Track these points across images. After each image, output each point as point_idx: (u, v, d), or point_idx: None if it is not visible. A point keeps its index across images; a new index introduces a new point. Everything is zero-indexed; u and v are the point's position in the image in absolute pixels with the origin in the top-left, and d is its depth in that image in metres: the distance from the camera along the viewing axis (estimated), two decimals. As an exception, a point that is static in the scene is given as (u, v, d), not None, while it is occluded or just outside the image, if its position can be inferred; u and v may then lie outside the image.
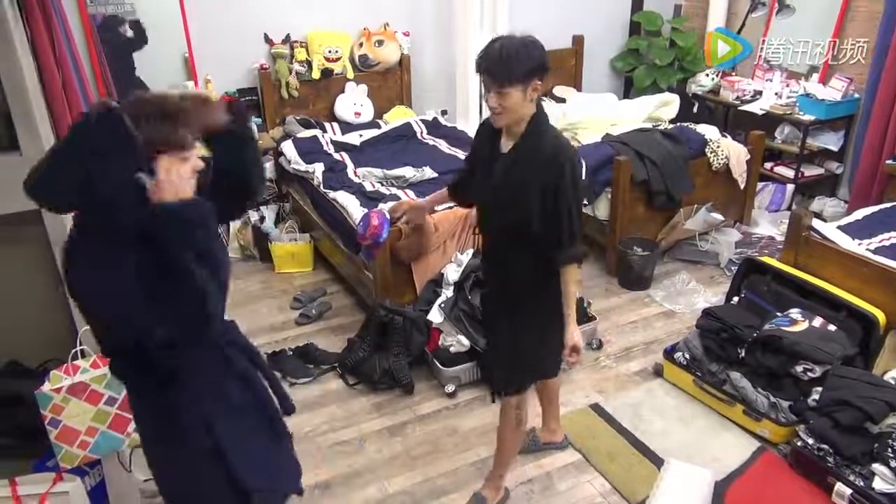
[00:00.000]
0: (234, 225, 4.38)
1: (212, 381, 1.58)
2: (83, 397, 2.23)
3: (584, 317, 3.37)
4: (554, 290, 2.10)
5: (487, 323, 2.29)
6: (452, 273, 3.26)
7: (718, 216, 4.06)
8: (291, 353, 3.27)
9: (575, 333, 2.12)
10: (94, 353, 2.42)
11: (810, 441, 2.53)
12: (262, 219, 4.34)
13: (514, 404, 2.29)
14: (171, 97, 1.42)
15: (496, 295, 2.26)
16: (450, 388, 3.06)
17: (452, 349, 3.06)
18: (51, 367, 2.38)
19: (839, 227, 3.33)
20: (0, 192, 2.28)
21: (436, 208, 3.40)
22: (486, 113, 4.79)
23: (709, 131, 4.24)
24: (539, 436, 2.74)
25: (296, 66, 4.53)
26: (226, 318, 1.64)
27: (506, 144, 2.04)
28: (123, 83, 4.07)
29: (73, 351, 2.40)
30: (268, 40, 4.50)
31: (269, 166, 4.38)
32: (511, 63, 1.87)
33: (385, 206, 3.37)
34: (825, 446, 2.48)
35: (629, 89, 5.68)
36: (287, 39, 4.53)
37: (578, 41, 5.47)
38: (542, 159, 1.96)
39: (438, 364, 3.06)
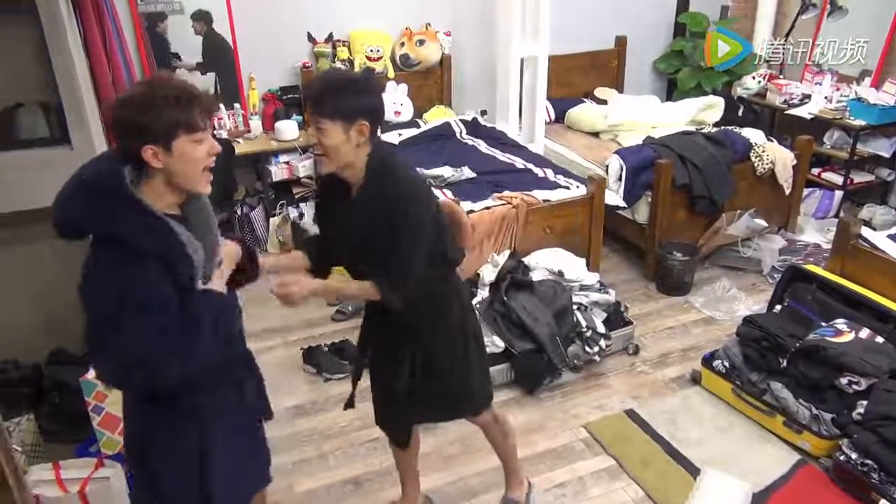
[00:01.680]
0: (274, 221, 4.45)
1: (210, 388, 1.62)
2: (125, 386, 2.29)
3: (620, 321, 3.33)
4: (443, 312, 2.03)
5: (391, 368, 2.09)
6: (488, 273, 3.25)
7: (762, 222, 3.97)
8: (327, 348, 3.30)
9: (320, 285, 1.94)
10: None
11: (854, 456, 2.45)
12: (301, 215, 4.40)
13: (492, 419, 2.26)
14: (188, 84, 1.47)
15: (391, 335, 2.09)
16: (483, 388, 3.04)
17: (487, 350, 3.05)
18: (95, 356, 2.45)
19: (889, 236, 3.22)
20: (52, 184, 2.36)
21: (474, 209, 3.40)
22: (526, 114, 4.77)
23: (754, 135, 4.14)
24: None
25: (338, 65, 4.57)
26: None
27: (354, 191, 1.86)
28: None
29: (117, 340, 2.46)
30: (311, 39, 4.55)
31: (308, 164, 4.43)
32: (331, 95, 1.72)
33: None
34: (869, 462, 2.41)
35: (672, 91, 5.59)
36: (330, 38, 4.58)
37: (621, 42, 5.40)
38: (388, 200, 1.79)
39: (472, 364, 3.05)
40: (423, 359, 2.05)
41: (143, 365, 1.42)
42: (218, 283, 1.58)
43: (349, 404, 2.28)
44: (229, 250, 1.70)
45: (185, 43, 4.23)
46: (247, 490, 1.84)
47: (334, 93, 1.72)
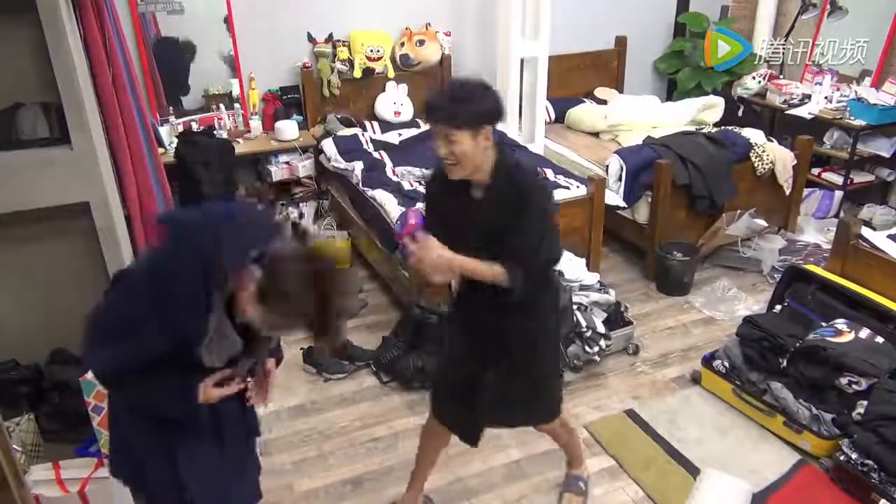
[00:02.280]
0: (274, 221, 4.44)
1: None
2: (125, 386, 2.29)
3: (620, 321, 3.33)
4: (544, 314, 2.06)
5: (484, 365, 2.07)
6: (488, 273, 3.25)
7: (762, 222, 3.97)
8: (327, 348, 3.31)
9: (458, 259, 1.87)
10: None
11: (854, 456, 2.45)
12: (301, 215, 4.40)
13: (559, 424, 2.32)
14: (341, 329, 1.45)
15: (491, 333, 2.05)
16: (483, 388, 3.05)
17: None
18: (95, 356, 2.45)
19: (889, 236, 3.22)
20: (51, 184, 2.36)
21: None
22: (526, 115, 4.76)
23: (754, 135, 4.14)
24: None
25: (338, 65, 4.57)
26: None
27: (476, 192, 1.93)
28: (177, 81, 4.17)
29: (117, 340, 2.46)
30: (311, 39, 4.55)
31: (308, 164, 4.43)
32: (458, 106, 1.77)
33: (422, 206, 3.38)
34: (870, 462, 2.41)
35: (672, 91, 5.58)
36: (330, 39, 4.58)
37: (621, 42, 5.40)
38: (513, 198, 1.86)
39: (472, 364, 3.05)
40: (517, 359, 2.07)
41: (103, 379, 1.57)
42: (214, 386, 1.59)
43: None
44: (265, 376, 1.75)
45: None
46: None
47: (461, 104, 1.78)
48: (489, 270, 1.87)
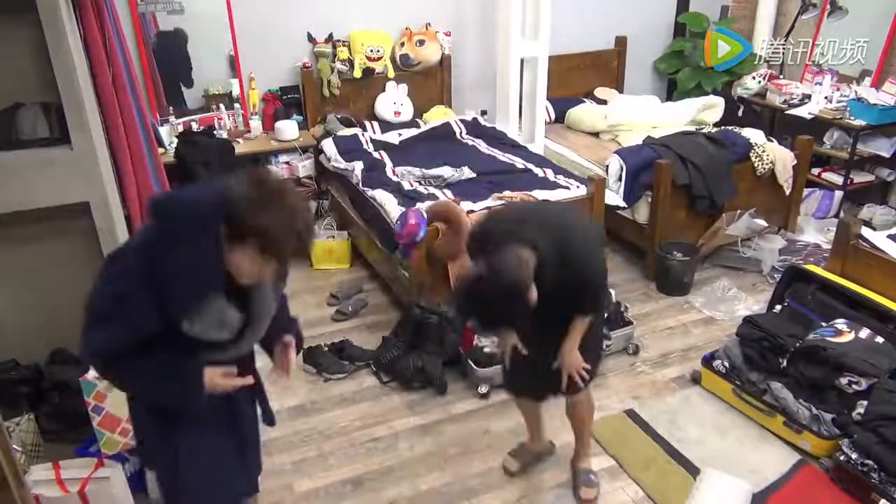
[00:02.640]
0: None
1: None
2: (125, 385, 2.29)
3: (620, 321, 3.33)
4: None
5: (538, 339, 2.24)
6: (488, 273, 3.25)
7: (762, 222, 3.97)
8: (327, 348, 3.31)
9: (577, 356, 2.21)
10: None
11: (854, 456, 2.45)
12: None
13: (587, 396, 2.45)
14: (310, 232, 1.51)
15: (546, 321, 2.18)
16: (483, 388, 3.05)
17: (487, 350, 3.06)
18: (95, 356, 2.45)
19: (889, 236, 3.22)
20: (52, 184, 2.36)
21: (474, 209, 3.41)
22: (526, 115, 4.77)
23: (754, 135, 4.14)
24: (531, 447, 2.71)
25: (338, 65, 4.57)
26: None
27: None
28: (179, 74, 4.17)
29: (117, 340, 2.46)
30: (311, 39, 4.55)
31: (308, 164, 4.43)
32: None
33: (423, 206, 3.38)
34: (870, 462, 2.41)
35: (672, 91, 5.59)
36: (330, 39, 4.58)
37: (621, 42, 5.40)
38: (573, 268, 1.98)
39: (472, 365, 3.06)
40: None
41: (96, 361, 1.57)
42: (217, 375, 1.61)
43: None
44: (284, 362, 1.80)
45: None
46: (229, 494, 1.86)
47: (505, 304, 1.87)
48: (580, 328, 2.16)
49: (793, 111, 4.75)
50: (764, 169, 3.98)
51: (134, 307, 1.46)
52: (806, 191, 4.42)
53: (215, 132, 4.23)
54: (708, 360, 3.06)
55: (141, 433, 1.81)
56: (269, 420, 1.97)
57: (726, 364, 2.99)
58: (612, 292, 3.41)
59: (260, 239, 1.42)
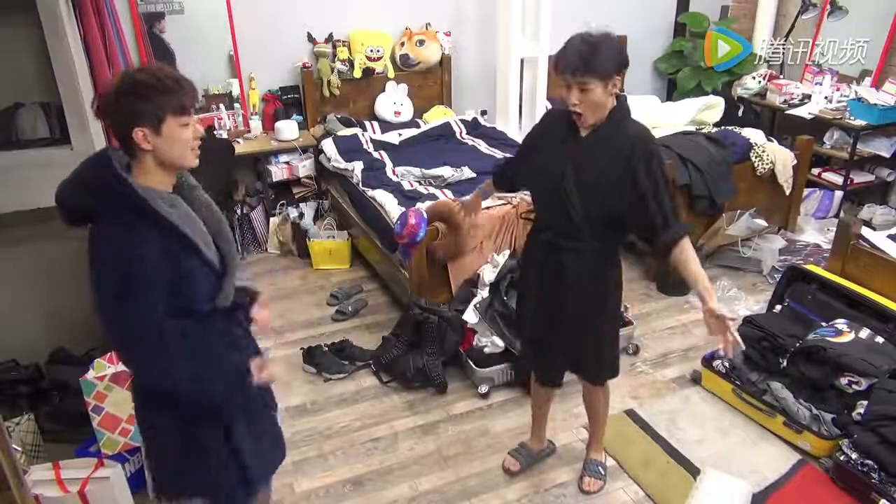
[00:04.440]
0: (274, 221, 4.45)
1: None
2: (125, 386, 2.29)
3: (620, 321, 3.33)
4: (613, 273, 2.16)
5: (556, 317, 2.22)
6: (488, 273, 3.25)
7: (762, 222, 3.97)
8: (327, 348, 3.30)
9: (717, 305, 1.92)
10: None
11: (854, 456, 2.45)
12: (301, 215, 4.40)
13: (604, 393, 2.45)
14: (173, 70, 1.54)
15: (565, 287, 2.16)
16: (483, 388, 3.05)
17: (487, 350, 3.06)
18: (95, 356, 2.45)
19: (889, 236, 3.22)
20: (52, 184, 2.36)
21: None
22: (526, 115, 4.77)
23: (754, 135, 4.14)
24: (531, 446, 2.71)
25: (338, 65, 4.57)
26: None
27: (584, 130, 2.03)
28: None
29: (117, 340, 2.46)
30: (311, 39, 4.55)
31: (308, 164, 4.43)
32: (593, 57, 1.87)
33: (423, 206, 3.38)
34: (870, 462, 2.41)
35: (672, 91, 5.59)
36: (330, 38, 4.58)
37: (621, 42, 5.35)
38: (629, 139, 1.97)
39: (472, 364, 3.06)
40: (582, 318, 2.19)
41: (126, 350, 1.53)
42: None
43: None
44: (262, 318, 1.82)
45: (182, 43, 4.23)
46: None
47: (596, 54, 1.87)
48: (699, 271, 1.96)
49: (793, 111, 4.75)
50: (764, 169, 3.98)
51: (143, 266, 1.45)
52: (806, 191, 4.42)
53: (215, 132, 4.22)
54: (708, 360, 3.06)
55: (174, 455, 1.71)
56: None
57: (726, 364, 2.99)
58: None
59: (153, 106, 1.46)
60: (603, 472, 2.59)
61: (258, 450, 1.77)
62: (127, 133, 1.47)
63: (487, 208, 3.42)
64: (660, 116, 4.61)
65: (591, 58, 1.87)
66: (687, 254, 1.96)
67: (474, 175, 3.89)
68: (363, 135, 4.43)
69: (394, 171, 3.97)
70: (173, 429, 1.64)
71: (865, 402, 2.55)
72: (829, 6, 4.81)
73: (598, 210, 2.02)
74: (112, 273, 1.46)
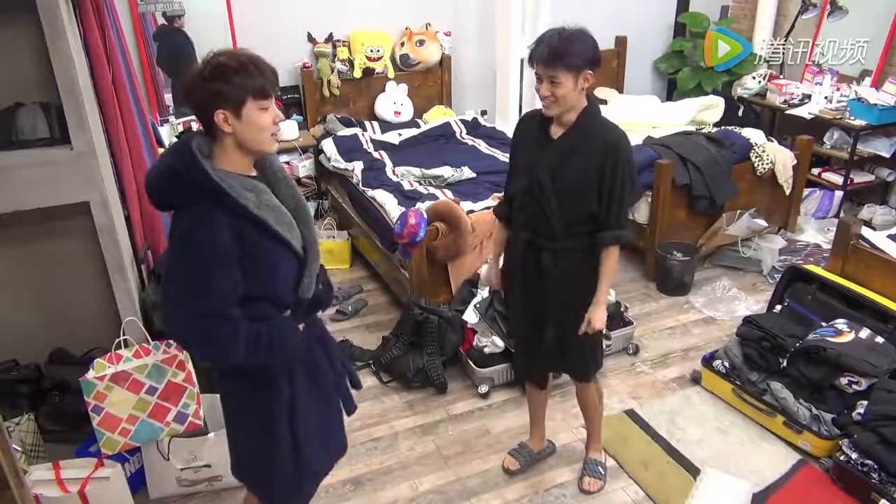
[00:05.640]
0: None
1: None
2: (125, 386, 2.29)
3: (620, 321, 3.33)
4: (593, 271, 2.16)
5: (539, 317, 2.25)
6: (488, 273, 3.25)
7: (762, 222, 3.97)
8: (327, 348, 3.30)
9: (603, 316, 2.17)
10: (136, 343, 2.48)
11: (854, 456, 2.45)
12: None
13: (594, 384, 2.47)
14: (256, 55, 1.56)
15: (546, 287, 2.19)
16: (483, 388, 3.05)
17: (487, 350, 3.06)
18: (95, 356, 2.45)
19: (889, 236, 3.22)
20: (52, 184, 2.36)
21: (474, 209, 3.41)
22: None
23: (754, 135, 4.14)
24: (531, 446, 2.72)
25: (338, 65, 4.57)
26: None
27: (556, 132, 2.08)
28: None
29: (117, 340, 2.46)
30: (311, 39, 4.56)
31: (308, 164, 4.43)
32: (564, 50, 1.92)
33: (423, 206, 3.38)
34: (869, 462, 2.41)
35: (672, 91, 5.59)
36: (330, 38, 4.58)
37: (621, 42, 5.40)
38: (599, 143, 2.01)
39: (472, 364, 3.06)
40: (566, 317, 2.21)
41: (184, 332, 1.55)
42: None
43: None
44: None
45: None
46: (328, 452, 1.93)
47: (568, 47, 1.93)
48: (612, 273, 2.14)
49: (793, 111, 4.75)
50: (764, 169, 3.98)
51: (211, 251, 1.47)
52: (806, 191, 4.42)
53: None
54: (708, 360, 3.06)
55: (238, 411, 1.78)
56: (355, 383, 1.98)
57: (726, 364, 2.99)
58: (613, 292, 3.41)
59: (234, 88, 1.48)
60: (603, 472, 2.59)
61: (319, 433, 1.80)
62: (209, 116, 1.49)
63: (487, 208, 3.42)
64: (660, 116, 4.61)
65: (562, 51, 1.92)
66: (611, 256, 2.12)
67: (474, 175, 3.89)
68: (363, 135, 4.43)
69: (394, 171, 3.97)
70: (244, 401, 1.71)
71: (865, 402, 2.55)
72: (829, 6, 4.82)
73: (574, 211, 2.07)
74: (181, 256, 1.51)
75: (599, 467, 2.59)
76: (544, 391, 2.58)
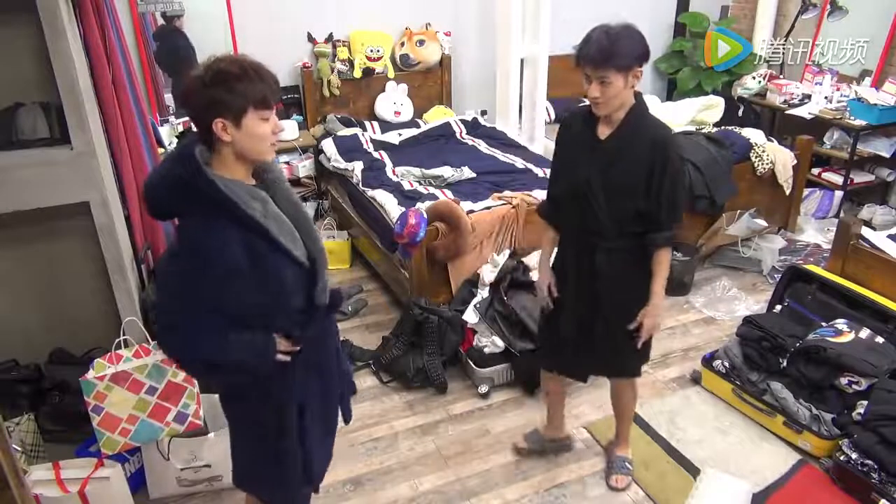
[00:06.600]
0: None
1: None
2: (125, 386, 2.29)
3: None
4: (646, 269, 2.16)
5: (590, 318, 2.23)
6: (488, 274, 3.25)
7: (762, 222, 3.97)
8: (327, 348, 3.30)
9: (658, 313, 2.20)
10: (136, 343, 2.48)
11: (854, 456, 2.45)
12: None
13: (633, 383, 2.45)
14: (258, 63, 1.53)
15: (599, 286, 2.17)
16: (483, 388, 3.05)
17: (487, 350, 3.06)
18: (95, 356, 2.45)
19: (889, 236, 3.22)
20: (52, 184, 2.36)
21: (474, 209, 3.41)
22: (526, 115, 4.77)
23: (754, 135, 4.14)
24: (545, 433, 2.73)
25: (338, 65, 4.57)
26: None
27: (603, 132, 2.06)
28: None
29: (117, 340, 2.46)
30: (311, 39, 4.56)
31: (308, 164, 4.43)
32: (613, 50, 1.89)
33: (423, 206, 3.38)
34: (869, 462, 2.41)
35: (672, 91, 5.59)
36: (330, 39, 4.58)
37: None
38: (647, 141, 2.00)
39: (472, 364, 3.06)
40: (619, 315, 2.21)
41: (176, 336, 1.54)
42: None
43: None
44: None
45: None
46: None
47: (617, 47, 1.90)
48: (664, 275, 2.14)
49: (793, 111, 4.75)
50: (764, 169, 3.98)
51: (216, 261, 1.46)
52: (806, 191, 4.42)
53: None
54: (708, 360, 3.06)
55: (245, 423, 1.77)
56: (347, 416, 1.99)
57: (726, 364, 2.99)
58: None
59: (235, 97, 1.44)
60: (630, 468, 2.60)
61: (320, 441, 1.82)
62: (207, 123, 1.46)
63: (487, 208, 3.42)
64: (660, 116, 4.58)
65: (612, 50, 1.89)
66: (663, 257, 2.12)
67: (474, 175, 3.89)
68: (363, 135, 4.43)
69: (394, 171, 3.97)
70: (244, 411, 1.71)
71: (865, 402, 2.55)
72: (829, 6, 4.82)
73: (624, 210, 2.06)
74: (182, 263, 1.48)
75: (627, 463, 2.60)
76: (581, 382, 2.58)
